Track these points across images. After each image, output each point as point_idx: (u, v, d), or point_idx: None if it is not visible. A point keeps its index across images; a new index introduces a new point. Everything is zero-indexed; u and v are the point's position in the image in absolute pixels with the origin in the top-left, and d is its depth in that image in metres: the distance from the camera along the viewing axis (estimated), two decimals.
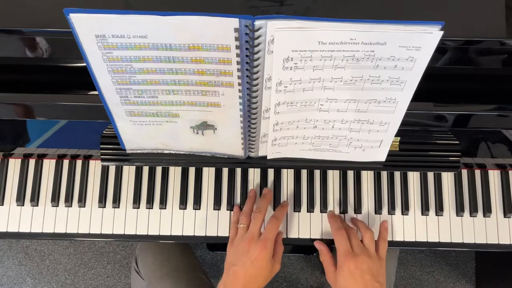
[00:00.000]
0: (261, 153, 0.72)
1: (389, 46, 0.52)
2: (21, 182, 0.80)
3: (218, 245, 1.31)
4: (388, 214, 0.79)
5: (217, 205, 0.79)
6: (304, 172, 0.80)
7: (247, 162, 0.74)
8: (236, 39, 0.50)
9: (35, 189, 0.79)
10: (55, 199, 0.79)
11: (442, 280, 1.44)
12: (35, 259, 1.47)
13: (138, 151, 0.72)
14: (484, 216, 0.79)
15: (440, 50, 0.67)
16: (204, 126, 0.65)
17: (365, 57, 0.53)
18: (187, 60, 0.54)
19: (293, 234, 0.78)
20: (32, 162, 0.81)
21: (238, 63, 0.54)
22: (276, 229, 0.71)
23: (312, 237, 0.78)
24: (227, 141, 0.68)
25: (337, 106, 0.61)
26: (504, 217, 0.79)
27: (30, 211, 0.79)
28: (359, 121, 0.63)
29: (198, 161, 0.74)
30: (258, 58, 0.53)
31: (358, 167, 0.78)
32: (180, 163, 0.76)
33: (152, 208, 0.79)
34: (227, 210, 0.79)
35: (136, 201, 0.79)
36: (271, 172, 0.80)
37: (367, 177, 0.80)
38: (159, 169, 0.80)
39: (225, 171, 0.80)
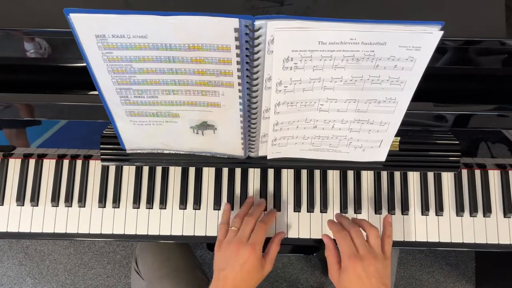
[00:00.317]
0: (261, 153, 0.72)
1: (389, 46, 0.52)
2: (21, 182, 0.80)
3: None
4: (388, 214, 0.79)
5: (217, 205, 0.79)
6: (304, 172, 0.80)
7: (247, 162, 0.74)
8: (236, 39, 0.50)
9: (35, 189, 0.79)
10: (55, 199, 0.79)
11: (442, 280, 1.44)
12: (35, 259, 1.47)
13: (138, 151, 0.72)
14: (484, 216, 0.79)
15: (440, 50, 0.67)
16: (204, 126, 0.65)
17: (365, 57, 0.53)
18: (187, 60, 0.54)
19: (293, 234, 0.78)
20: (32, 162, 0.81)
21: (238, 63, 0.54)
22: (264, 233, 0.71)
23: (312, 237, 0.78)
24: (227, 141, 0.68)
25: (337, 106, 0.61)
26: (504, 217, 0.79)
27: (30, 211, 0.79)
28: (359, 121, 0.63)
29: (198, 161, 0.75)
30: (258, 58, 0.53)
31: (358, 167, 0.77)
32: (180, 163, 0.76)
33: (152, 208, 0.79)
34: None
35: (136, 201, 0.79)
36: (271, 172, 0.80)
37: (367, 177, 0.80)
38: (159, 169, 0.80)
39: (225, 171, 0.80)
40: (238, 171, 0.80)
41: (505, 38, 0.63)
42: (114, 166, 0.80)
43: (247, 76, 0.55)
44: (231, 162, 0.74)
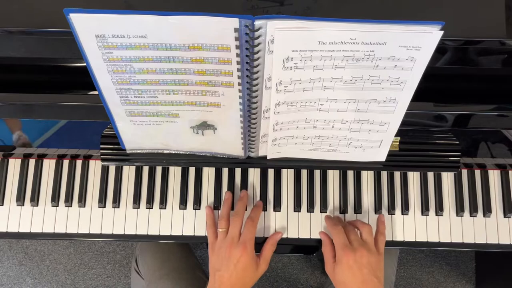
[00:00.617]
0: (261, 153, 0.72)
1: (389, 46, 0.52)
2: (21, 182, 0.80)
3: None
4: (388, 214, 0.79)
5: (217, 205, 0.79)
6: (304, 172, 0.80)
7: (247, 162, 0.74)
8: (236, 39, 0.50)
9: (35, 189, 0.79)
10: (55, 199, 0.79)
11: (442, 280, 1.44)
12: (35, 259, 1.47)
13: (138, 151, 0.72)
14: (484, 216, 0.79)
15: (440, 50, 0.67)
16: (204, 126, 0.65)
17: (365, 57, 0.53)
18: (187, 60, 0.54)
19: (293, 234, 0.78)
20: (32, 162, 0.81)
21: (238, 63, 0.54)
22: (253, 229, 0.72)
23: (312, 237, 0.78)
24: (227, 141, 0.68)
25: (337, 106, 0.61)
26: (504, 217, 0.79)
27: (30, 211, 0.79)
28: (359, 121, 0.63)
29: (198, 161, 0.75)
30: (258, 58, 0.53)
31: (358, 167, 0.77)
32: (180, 163, 0.76)
33: (152, 208, 0.79)
34: None
35: (136, 201, 0.79)
36: (271, 172, 0.80)
37: (367, 177, 0.80)
38: (159, 169, 0.80)
39: (225, 171, 0.80)
40: (238, 171, 0.80)
41: (505, 38, 0.63)
42: (114, 166, 0.80)
43: (247, 76, 0.55)
44: (231, 162, 0.74)
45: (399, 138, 0.72)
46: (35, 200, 0.79)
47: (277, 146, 0.69)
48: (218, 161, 0.74)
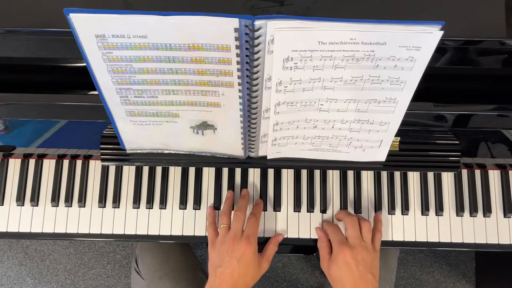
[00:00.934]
0: (261, 153, 0.72)
1: (389, 46, 0.52)
2: (21, 182, 0.80)
3: None
4: (388, 214, 0.79)
5: (217, 205, 0.79)
6: (304, 172, 0.80)
7: (247, 162, 0.74)
8: (236, 39, 0.50)
9: (35, 189, 0.79)
10: (55, 199, 0.79)
11: (442, 280, 1.44)
12: (35, 259, 1.47)
13: (138, 151, 0.72)
14: (484, 216, 0.79)
15: (440, 50, 0.67)
16: (204, 126, 0.65)
17: (365, 57, 0.53)
18: (187, 60, 0.54)
19: (293, 234, 0.78)
20: (32, 162, 0.81)
21: (238, 63, 0.54)
22: (256, 225, 0.72)
23: (312, 237, 0.78)
24: (227, 141, 0.68)
25: (337, 106, 0.61)
26: (504, 217, 0.79)
27: (30, 211, 0.79)
28: (359, 121, 0.63)
29: (198, 161, 0.75)
30: (258, 58, 0.53)
31: (358, 167, 0.77)
32: (180, 163, 0.76)
33: (152, 208, 0.79)
34: None
35: (136, 201, 0.79)
36: (271, 172, 0.80)
37: (367, 177, 0.80)
38: (159, 169, 0.80)
39: (225, 171, 0.80)
40: (238, 171, 0.80)
41: (505, 38, 0.63)
42: (114, 166, 0.80)
43: (247, 76, 0.55)
44: (231, 162, 0.74)
45: (399, 138, 0.72)
46: (35, 200, 0.79)
47: (277, 146, 0.69)
48: (218, 161, 0.74)
